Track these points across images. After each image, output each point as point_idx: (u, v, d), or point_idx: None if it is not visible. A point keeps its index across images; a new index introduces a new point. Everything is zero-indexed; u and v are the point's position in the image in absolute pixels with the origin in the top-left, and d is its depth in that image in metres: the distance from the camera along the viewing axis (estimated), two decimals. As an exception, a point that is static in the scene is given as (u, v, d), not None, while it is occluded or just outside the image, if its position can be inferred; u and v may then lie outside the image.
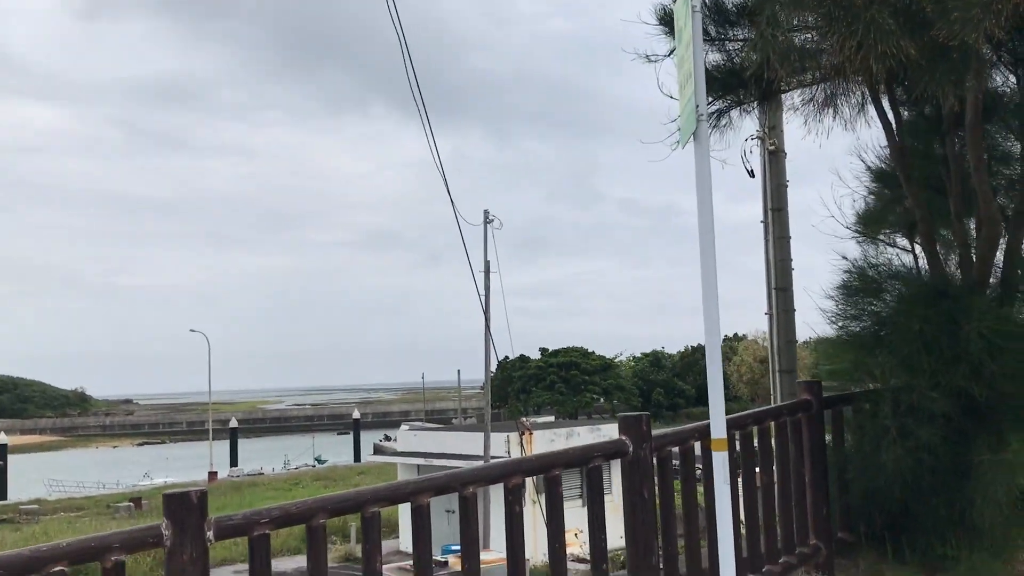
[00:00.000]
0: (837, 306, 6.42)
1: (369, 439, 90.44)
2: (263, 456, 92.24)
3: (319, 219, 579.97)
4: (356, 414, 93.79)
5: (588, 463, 4.42)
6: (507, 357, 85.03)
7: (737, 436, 5.42)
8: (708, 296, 3.86)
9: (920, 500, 5.82)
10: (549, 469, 4.25)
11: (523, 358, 76.34)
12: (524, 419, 20.01)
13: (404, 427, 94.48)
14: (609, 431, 21.01)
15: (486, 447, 17.99)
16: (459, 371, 64.94)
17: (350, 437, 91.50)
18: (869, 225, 7.95)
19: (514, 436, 19.41)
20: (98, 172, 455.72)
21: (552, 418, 32.58)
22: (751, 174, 9.83)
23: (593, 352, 78.78)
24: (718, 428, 4.02)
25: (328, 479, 53.31)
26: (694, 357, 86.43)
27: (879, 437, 5.87)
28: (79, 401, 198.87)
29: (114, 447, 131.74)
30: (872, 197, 8.19)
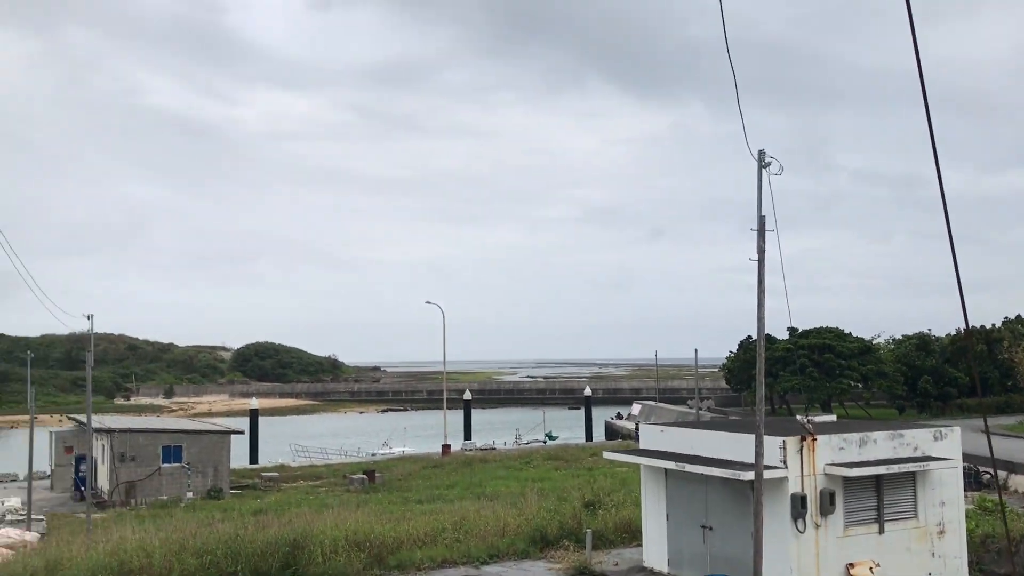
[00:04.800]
0: None
1: (600, 415, 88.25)
2: (495, 428, 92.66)
3: (546, 195, 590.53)
4: (587, 391, 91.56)
5: None
6: (748, 337, 78.38)
7: None
8: None
9: None
10: None
11: (769, 338, 69.98)
12: (804, 418, 15.75)
13: (636, 405, 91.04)
14: (914, 439, 16.35)
15: (758, 455, 14.10)
16: (696, 350, 60.36)
17: (581, 412, 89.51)
18: None
19: (791, 441, 15.37)
20: (340, 154, 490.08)
21: (833, 417, 27.61)
22: None
23: (850, 334, 70.53)
24: None
25: (559, 459, 50.86)
26: (968, 342, 75.82)
27: None
28: (331, 367, 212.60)
29: (360, 412, 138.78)
30: None
